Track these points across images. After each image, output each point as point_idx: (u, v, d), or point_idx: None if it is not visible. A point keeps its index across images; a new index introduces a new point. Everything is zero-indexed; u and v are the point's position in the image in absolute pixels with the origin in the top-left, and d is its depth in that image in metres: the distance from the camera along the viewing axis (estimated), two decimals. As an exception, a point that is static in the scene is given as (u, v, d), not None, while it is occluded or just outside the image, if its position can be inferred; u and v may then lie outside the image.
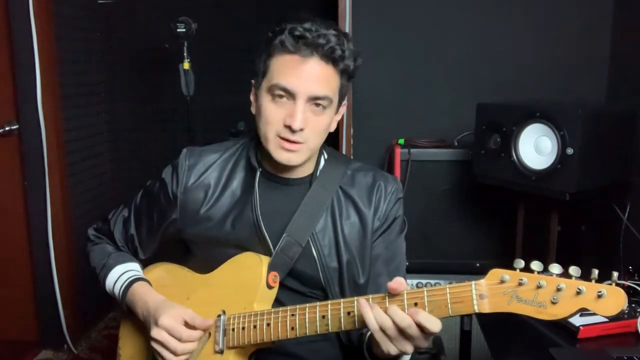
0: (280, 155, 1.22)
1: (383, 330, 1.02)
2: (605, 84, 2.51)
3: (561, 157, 1.86)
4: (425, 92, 2.67)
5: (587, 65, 2.53)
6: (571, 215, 2.19)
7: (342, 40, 1.19)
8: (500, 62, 2.59)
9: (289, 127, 1.18)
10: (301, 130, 1.19)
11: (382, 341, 1.03)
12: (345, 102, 1.31)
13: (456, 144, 2.46)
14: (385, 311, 1.03)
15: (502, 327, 1.40)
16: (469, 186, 2.32)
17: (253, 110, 1.29)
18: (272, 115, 1.20)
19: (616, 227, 2.16)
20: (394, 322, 1.01)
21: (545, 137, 1.92)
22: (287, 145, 1.20)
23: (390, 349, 1.03)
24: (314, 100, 1.19)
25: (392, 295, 1.05)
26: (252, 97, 1.30)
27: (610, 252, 2.22)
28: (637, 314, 1.41)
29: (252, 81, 1.29)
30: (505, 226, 2.30)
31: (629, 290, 1.52)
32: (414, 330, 1.00)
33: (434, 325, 0.99)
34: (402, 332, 1.01)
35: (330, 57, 1.18)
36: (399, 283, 1.05)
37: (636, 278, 1.58)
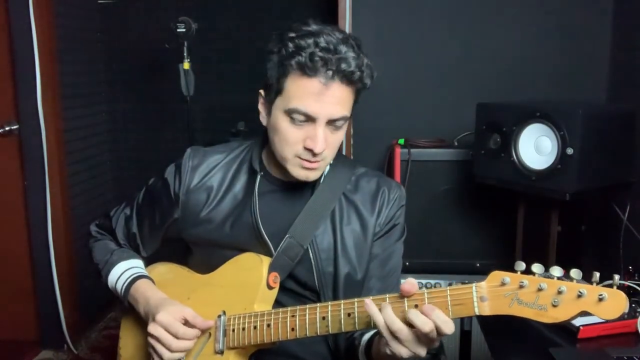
0: (299, 173, 1.22)
1: (394, 333, 1.00)
2: (605, 84, 2.51)
3: (561, 157, 1.86)
4: (425, 92, 2.67)
5: (587, 65, 2.53)
6: (571, 215, 2.18)
7: (361, 59, 1.16)
8: (500, 62, 2.59)
9: (310, 150, 1.17)
10: (322, 151, 1.18)
11: (394, 345, 1.01)
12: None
13: (456, 144, 2.46)
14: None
15: (502, 327, 1.40)
16: (469, 186, 2.32)
17: (263, 121, 1.26)
18: (292, 138, 1.18)
19: (616, 227, 2.16)
20: (415, 326, 0.98)
21: (545, 137, 1.92)
22: (307, 164, 1.20)
23: (402, 351, 1.01)
24: (333, 121, 1.18)
25: (394, 296, 1.05)
26: (260, 107, 1.26)
27: (610, 252, 2.22)
28: (637, 314, 1.41)
29: (261, 91, 1.25)
30: (505, 226, 2.30)
31: (629, 291, 1.52)
32: (434, 334, 0.98)
33: (449, 328, 0.98)
34: (419, 336, 0.99)
35: (350, 80, 1.15)
36: (411, 284, 1.03)
37: (636, 278, 1.58)
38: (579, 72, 2.54)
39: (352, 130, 2.68)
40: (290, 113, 1.17)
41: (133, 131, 3.40)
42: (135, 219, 1.42)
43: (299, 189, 1.30)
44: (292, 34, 1.15)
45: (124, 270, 1.36)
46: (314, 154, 1.17)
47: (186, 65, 2.58)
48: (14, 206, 2.80)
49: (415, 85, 2.67)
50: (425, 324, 0.97)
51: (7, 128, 2.71)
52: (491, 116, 2.08)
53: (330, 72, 1.13)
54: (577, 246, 2.37)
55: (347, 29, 2.62)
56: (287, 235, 1.25)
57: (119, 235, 1.43)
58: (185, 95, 2.63)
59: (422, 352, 1.01)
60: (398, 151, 2.36)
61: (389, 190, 1.33)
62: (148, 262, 1.46)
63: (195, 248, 1.37)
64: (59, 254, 2.78)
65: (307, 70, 1.12)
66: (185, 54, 2.58)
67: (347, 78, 1.14)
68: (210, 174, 1.33)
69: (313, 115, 1.15)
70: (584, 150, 1.83)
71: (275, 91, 1.19)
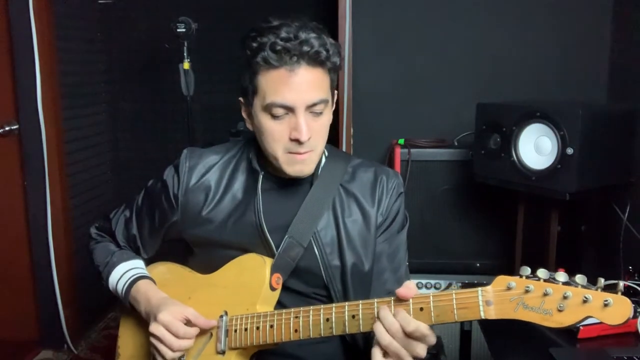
0: (292, 168, 1.22)
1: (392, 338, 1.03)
2: (605, 84, 2.51)
3: (561, 157, 1.86)
4: (425, 92, 2.67)
5: (587, 65, 2.54)
6: (571, 215, 2.19)
7: (323, 39, 1.16)
8: (500, 62, 2.60)
9: (296, 141, 1.18)
10: (308, 139, 1.18)
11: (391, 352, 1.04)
12: (336, 89, 1.29)
13: (456, 144, 2.46)
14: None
15: (502, 327, 1.39)
16: (469, 186, 2.32)
17: (250, 127, 1.28)
18: (277, 133, 1.19)
19: (616, 227, 2.16)
20: (402, 328, 1.02)
21: (545, 137, 1.92)
22: (298, 158, 1.20)
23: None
24: (312, 107, 1.18)
25: (399, 300, 1.05)
26: (244, 114, 1.28)
27: (610, 252, 2.22)
28: (637, 314, 1.41)
29: (240, 99, 1.27)
30: (505, 226, 2.30)
31: (629, 290, 1.52)
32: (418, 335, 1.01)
33: (412, 326, 1.01)
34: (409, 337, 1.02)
35: (317, 61, 1.16)
36: (408, 288, 1.05)
37: (636, 278, 1.58)
38: (579, 72, 2.54)
39: (352, 130, 2.68)
40: (268, 109, 1.18)
41: (133, 131, 3.40)
42: (135, 221, 1.42)
43: (298, 185, 1.30)
44: (253, 34, 1.17)
45: (124, 272, 1.36)
46: (301, 143, 1.18)
47: (186, 65, 2.58)
48: (14, 206, 2.80)
49: (415, 85, 2.68)
50: (392, 324, 1.02)
51: (7, 128, 2.71)
52: (491, 116, 2.09)
53: (295, 58, 1.14)
54: (577, 246, 2.37)
55: (347, 29, 2.62)
56: (286, 236, 1.25)
57: (119, 237, 1.43)
58: (185, 95, 2.63)
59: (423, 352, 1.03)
60: (398, 151, 2.37)
61: (387, 178, 1.34)
62: (148, 261, 1.46)
63: (197, 248, 1.37)
64: (58, 254, 2.77)
65: (273, 61, 1.14)
66: (185, 54, 2.58)
67: (313, 59, 1.15)
68: (207, 174, 1.33)
69: (290, 104, 1.16)
70: (584, 150, 1.83)
71: (251, 92, 1.21)
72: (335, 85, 1.26)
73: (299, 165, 1.22)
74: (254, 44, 1.16)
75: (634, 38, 2.32)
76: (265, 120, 1.20)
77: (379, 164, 1.39)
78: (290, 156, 1.21)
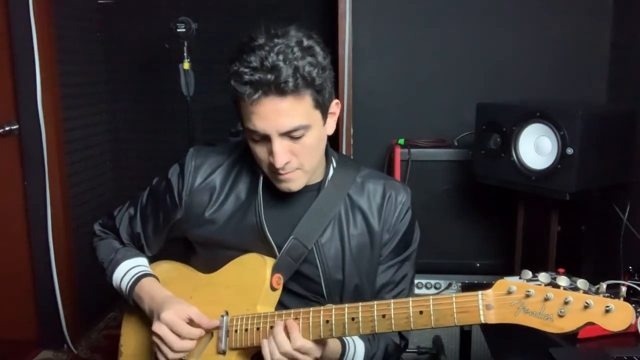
0: (280, 185, 1.23)
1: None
2: (605, 84, 2.51)
3: (561, 157, 1.86)
4: (425, 92, 2.67)
5: (587, 65, 2.54)
6: (571, 215, 2.19)
7: (292, 66, 1.09)
8: (500, 62, 2.60)
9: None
10: (287, 163, 1.17)
11: None
12: (336, 100, 1.24)
13: (456, 144, 2.46)
14: None
15: (502, 327, 1.39)
16: (469, 186, 2.32)
17: None
18: (259, 154, 1.20)
19: (616, 227, 2.16)
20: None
21: (545, 137, 1.93)
22: (281, 177, 1.20)
23: None
24: (288, 133, 1.15)
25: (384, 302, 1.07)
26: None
27: (610, 252, 2.22)
28: (637, 314, 1.41)
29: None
30: (505, 226, 2.30)
31: (629, 290, 1.52)
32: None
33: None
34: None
35: (286, 91, 1.10)
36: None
37: (636, 278, 1.58)
38: (579, 72, 2.54)
39: (352, 130, 2.68)
40: (247, 133, 1.18)
41: (133, 131, 3.40)
42: (139, 219, 1.42)
43: (304, 191, 1.29)
44: (233, 55, 1.14)
45: (128, 269, 1.36)
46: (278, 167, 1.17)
47: (186, 65, 2.58)
48: (14, 206, 2.80)
49: (415, 85, 2.68)
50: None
51: (7, 128, 2.71)
52: (491, 116, 2.09)
53: (260, 90, 1.10)
54: (577, 246, 2.37)
55: (347, 29, 2.62)
56: (291, 237, 1.25)
57: (123, 234, 1.43)
58: (185, 95, 2.63)
59: None
60: (398, 151, 2.37)
61: (396, 194, 1.33)
62: (152, 260, 1.46)
63: (200, 248, 1.37)
64: (59, 254, 2.77)
65: (239, 93, 1.11)
66: (185, 54, 2.58)
67: (281, 91, 1.09)
68: (213, 175, 1.33)
69: (262, 132, 1.14)
70: (584, 150, 1.83)
71: (237, 112, 1.20)
72: (328, 99, 1.19)
73: (285, 183, 1.21)
74: (230, 68, 1.13)
75: (634, 38, 2.32)
76: (250, 141, 1.20)
77: (388, 177, 1.38)
78: (275, 175, 1.21)
